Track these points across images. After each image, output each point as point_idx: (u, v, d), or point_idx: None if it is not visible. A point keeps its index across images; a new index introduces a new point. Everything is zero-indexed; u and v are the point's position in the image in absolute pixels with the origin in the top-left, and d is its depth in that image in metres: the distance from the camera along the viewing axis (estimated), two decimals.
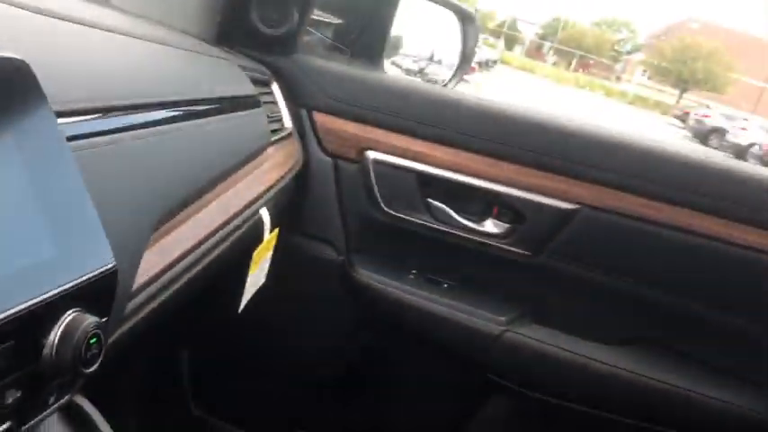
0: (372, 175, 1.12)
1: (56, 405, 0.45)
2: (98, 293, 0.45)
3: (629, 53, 54.36)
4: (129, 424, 1.11)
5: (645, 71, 48.94)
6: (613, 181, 1.06)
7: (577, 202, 1.08)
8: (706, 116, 25.58)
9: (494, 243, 1.12)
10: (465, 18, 1.36)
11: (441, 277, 1.17)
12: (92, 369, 0.43)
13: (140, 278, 0.56)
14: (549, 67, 42.93)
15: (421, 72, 2.11)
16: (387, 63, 1.58)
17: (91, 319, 0.43)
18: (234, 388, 1.28)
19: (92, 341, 0.43)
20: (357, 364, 1.24)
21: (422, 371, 1.22)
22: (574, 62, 48.39)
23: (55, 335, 0.41)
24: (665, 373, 1.11)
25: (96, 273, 0.44)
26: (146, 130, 0.59)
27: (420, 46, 1.92)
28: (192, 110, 0.72)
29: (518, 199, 1.10)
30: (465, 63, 1.36)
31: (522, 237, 1.11)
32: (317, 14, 1.20)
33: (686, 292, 1.09)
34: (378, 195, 1.13)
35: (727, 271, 1.06)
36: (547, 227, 1.09)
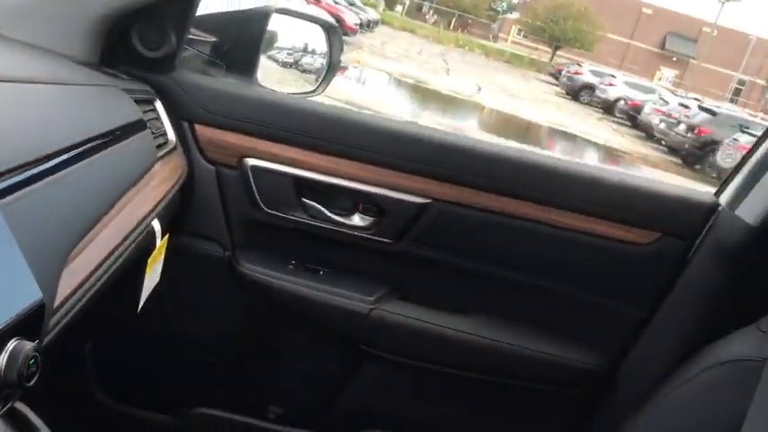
0: (251, 179, 1.26)
1: (2, 411, 0.58)
2: (32, 322, 0.58)
3: (504, 12, 55.80)
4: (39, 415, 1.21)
5: (520, 30, 50.45)
6: (457, 179, 1.26)
7: (429, 197, 1.27)
8: (577, 73, 26.68)
9: (361, 234, 1.30)
10: (330, 30, 1.51)
11: (317, 266, 1.33)
12: (32, 382, 0.57)
13: (58, 299, 0.69)
14: (429, 27, 43.40)
15: (297, 63, 2.22)
16: (263, 58, 1.69)
17: (29, 346, 0.56)
18: (137, 375, 1.40)
19: (31, 362, 0.57)
20: (246, 345, 1.39)
21: (304, 347, 1.40)
22: (453, 22, 49.20)
23: (2, 360, 0.54)
24: (507, 335, 1.33)
25: (29, 306, 0.57)
26: (50, 177, 0.70)
27: (294, 38, 2.03)
28: (87, 147, 0.83)
29: (380, 196, 1.27)
30: (332, 71, 1.51)
31: (385, 228, 1.29)
32: (193, 34, 1.30)
33: (521, 266, 1.31)
34: (257, 197, 1.27)
35: (549, 247, 1.29)
36: (405, 218, 1.28)
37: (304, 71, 2.00)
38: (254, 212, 1.28)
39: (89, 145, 0.82)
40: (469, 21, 50.61)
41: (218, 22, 1.38)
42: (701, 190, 1.37)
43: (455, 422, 1.41)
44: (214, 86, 1.28)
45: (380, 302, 1.31)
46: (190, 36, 1.27)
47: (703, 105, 17.93)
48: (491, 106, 16.76)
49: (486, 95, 18.03)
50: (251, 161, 1.26)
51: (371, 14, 28.80)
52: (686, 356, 1.19)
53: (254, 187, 1.26)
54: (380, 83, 16.17)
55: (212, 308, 1.36)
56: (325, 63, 1.73)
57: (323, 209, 1.29)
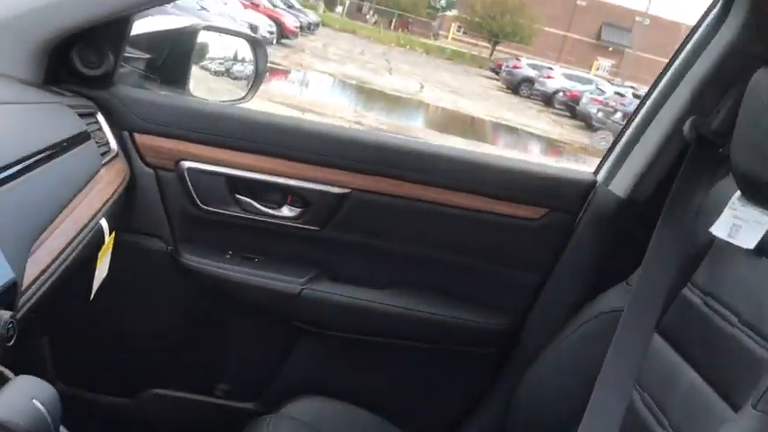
0: (188, 180, 1.40)
1: None
2: (7, 297, 0.73)
3: (444, 10, 56.37)
4: None
5: (460, 27, 51.03)
6: (372, 170, 1.44)
7: (348, 188, 1.44)
8: (516, 67, 27.10)
9: (290, 224, 1.46)
10: (255, 44, 1.67)
11: (251, 254, 1.49)
12: (11, 343, 0.73)
13: (24, 282, 0.84)
14: (370, 27, 43.61)
15: (228, 72, 2.35)
16: (197, 69, 1.84)
17: (7, 314, 0.72)
18: (92, 363, 1.53)
19: (9, 326, 0.72)
20: (192, 330, 1.53)
21: (243, 329, 1.55)
22: (394, 21, 49.50)
23: None
24: (424, 304, 1.52)
25: (5, 284, 0.72)
26: (9, 184, 0.84)
27: (224, 48, 2.17)
28: (40, 157, 0.97)
29: (305, 189, 1.44)
30: (259, 79, 1.67)
31: (311, 217, 1.45)
32: (129, 52, 1.43)
33: (431, 244, 1.50)
34: (194, 196, 1.41)
35: (454, 226, 1.48)
36: (328, 207, 1.45)
37: (236, 78, 2.14)
38: (192, 210, 1.43)
39: (41, 155, 0.97)
40: (410, 20, 50.92)
41: (151, 41, 1.52)
42: (582, 170, 1.58)
43: (383, 384, 1.59)
44: (150, 98, 1.43)
45: (310, 283, 1.48)
46: (126, 54, 1.41)
47: (638, 93, 18.46)
48: (435, 104, 17.03)
49: (429, 93, 18.29)
50: (187, 164, 1.40)
51: (311, 17, 28.75)
52: (575, 312, 1.40)
53: (190, 187, 1.41)
54: (324, 85, 16.29)
55: (159, 298, 1.50)
56: (252, 71, 1.89)
57: (255, 203, 1.45)
